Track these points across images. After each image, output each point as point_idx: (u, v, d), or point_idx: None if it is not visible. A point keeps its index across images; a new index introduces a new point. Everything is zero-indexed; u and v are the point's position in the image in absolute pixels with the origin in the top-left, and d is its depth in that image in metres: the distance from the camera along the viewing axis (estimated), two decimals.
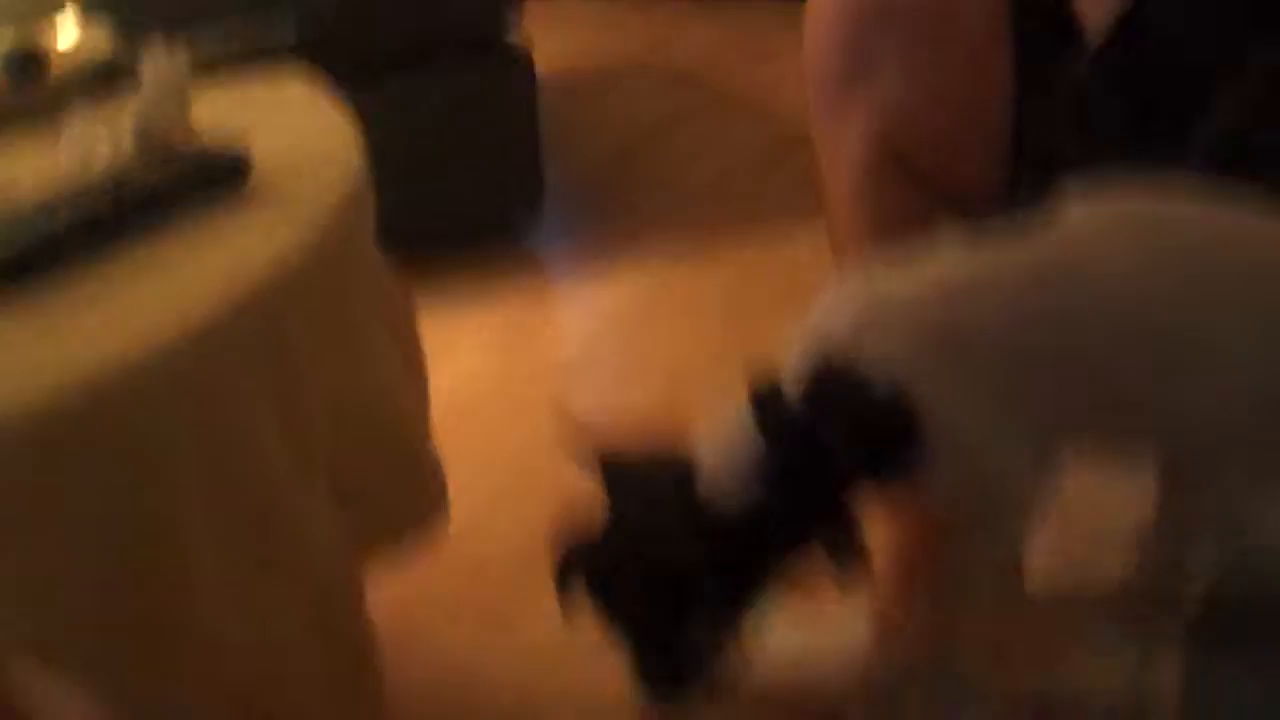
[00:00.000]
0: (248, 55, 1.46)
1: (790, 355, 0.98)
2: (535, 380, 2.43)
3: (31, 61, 1.43)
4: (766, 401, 0.97)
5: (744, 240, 2.76)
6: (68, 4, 1.63)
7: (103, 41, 1.51)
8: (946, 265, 0.97)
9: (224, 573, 1.12)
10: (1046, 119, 1.26)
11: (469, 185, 2.67)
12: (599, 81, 3.64)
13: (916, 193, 1.27)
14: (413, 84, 2.50)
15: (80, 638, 1.04)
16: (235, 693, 1.14)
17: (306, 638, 1.21)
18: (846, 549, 0.99)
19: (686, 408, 2.30)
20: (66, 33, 1.54)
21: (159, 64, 1.25)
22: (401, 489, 1.41)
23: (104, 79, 1.40)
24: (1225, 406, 0.94)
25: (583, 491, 2.09)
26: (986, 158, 1.29)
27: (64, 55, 1.48)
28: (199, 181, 1.21)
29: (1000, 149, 1.28)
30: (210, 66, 1.36)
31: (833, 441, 0.95)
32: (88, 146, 1.24)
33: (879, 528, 1.50)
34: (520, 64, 2.65)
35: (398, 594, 1.90)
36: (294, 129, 1.35)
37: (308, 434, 1.19)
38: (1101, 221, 0.97)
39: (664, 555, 0.99)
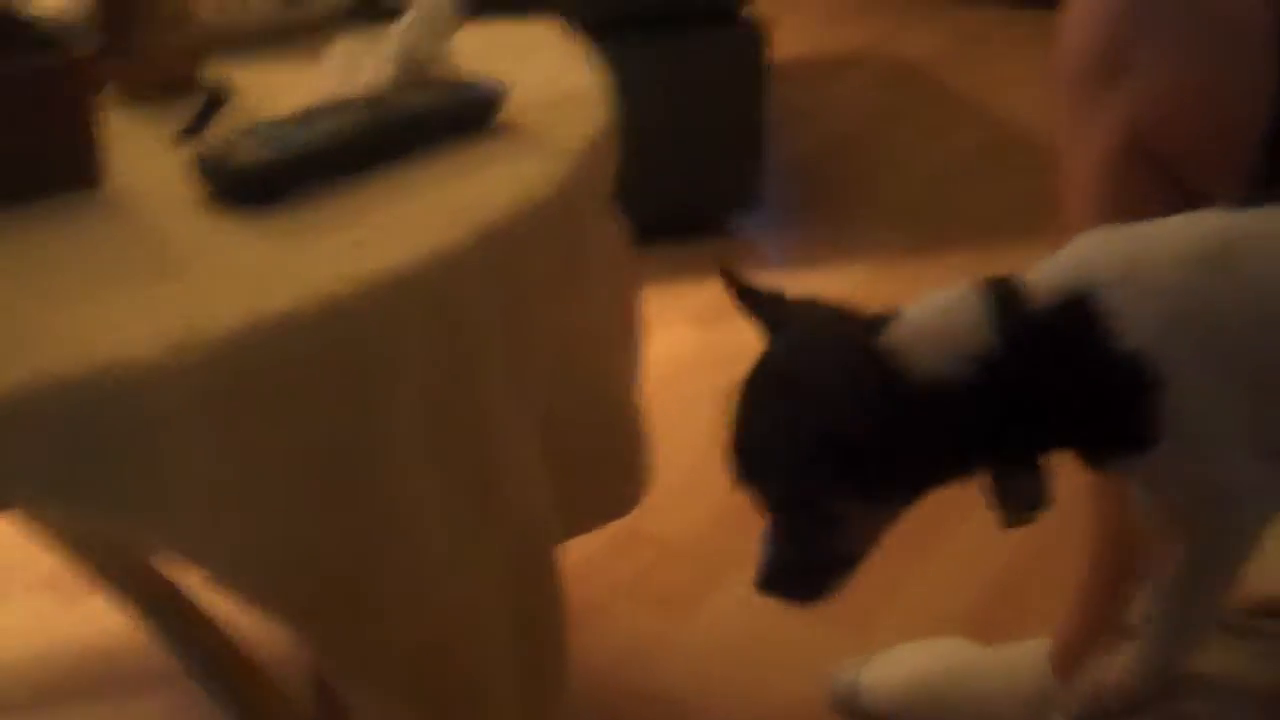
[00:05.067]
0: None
1: (1040, 273, 0.91)
2: (736, 363, 2.40)
3: None
4: (1007, 299, 0.90)
5: (955, 242, 2.71)
6: None
7: None
8: (1214, 227, 0.91)
9: (434, 508, 1.10)
10: None
11: (692, 161, 2.65)
12: (823, 70, 3.60)
13: (1162, 190, 1.22)
14: (646, 51, 2.50)
15: (284, 561, 1.04)
16: (436, 636, 1.13)
17: (503, 593, 1.19)
18: (1027, 495, 0.93)
19: None
20: None
21: None
22: (610, 451, 1.39)
23: (371, 3, 1.41)
24: None
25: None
26: (1239, 157, 1.25)
27: None
28: (453, 111, 1.20)
29: (1254, 148, 1.24)
30: (473, 5, 1.35)
31: (1063, 380, 0.88)
32: (349, 68, 1.24)
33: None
34: (754, 39, 2.62)
35: (579, 565, 1.88)
36: (548, 71, 1.34)
37: (530, 377, 1.18)
38: None
39: (830, 408, 0.89)
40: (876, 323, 0.91)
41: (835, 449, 0.89)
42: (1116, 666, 0.94)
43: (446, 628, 1.13)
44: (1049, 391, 0.89)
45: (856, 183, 3.06)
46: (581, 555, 1.88)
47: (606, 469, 1.40)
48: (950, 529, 2.01)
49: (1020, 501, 0.94)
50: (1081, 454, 0.92)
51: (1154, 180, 1.24)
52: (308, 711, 1.34)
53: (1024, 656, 1.61)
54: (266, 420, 0.99)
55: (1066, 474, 1.52)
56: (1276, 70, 1.22)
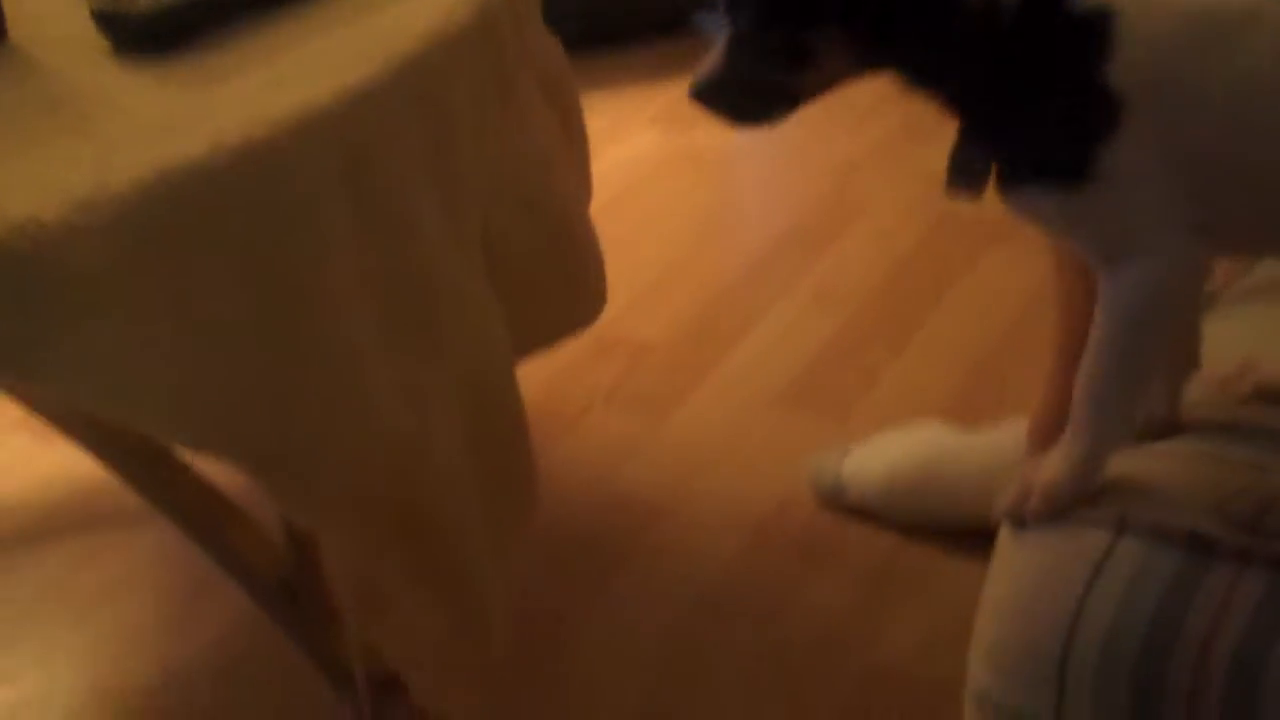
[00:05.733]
0: None
1: None
2: (701, 164, 2.39)
3: None
4: None
5: None
6: None
7: None
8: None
9: (376, 337, 1.10)
10: None
11: None
12: None
13: None
14: None
15: (225, 409, 1.04)
16: (388, 466, 1.13)
17: (459, 418, 1.20)
18: (976, 166, 0.91)
19: (852, 200, 2.25)
20: None
21: None
22: (557, 269, 1.38)
23: None
24: None
25: (746, 274, 2.09)
26: None
27: None
28: None
29: None
30: None
31: (1045, 74, 0.87)
32: None
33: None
34: None
35: (556, 374, 1.90)
36: None
37: (464, 203, 1.16)
38: None
39: None
40: None
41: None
42: (1045, 465, 0.93)
43: (401, 458, 1.14)
44: (1028, 75, 0.88)
45: None
46: (558, 364, 1.90)
47: (558, 286, 1.39)
48: (924, 314, 2.01)
49: (969, 169, 0.92)
50: (1010, 166, 0.90)
51: None
52: (283, 548, 1.35)
53: (1003, 438, 1.62)
54: (190, 270, 0.98)
55: (1036, 253, 1.51)
56: None
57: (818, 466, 1.73)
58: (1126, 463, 0.93)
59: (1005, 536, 0.92)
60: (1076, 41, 0.87)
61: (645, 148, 2.42)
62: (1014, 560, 0.90)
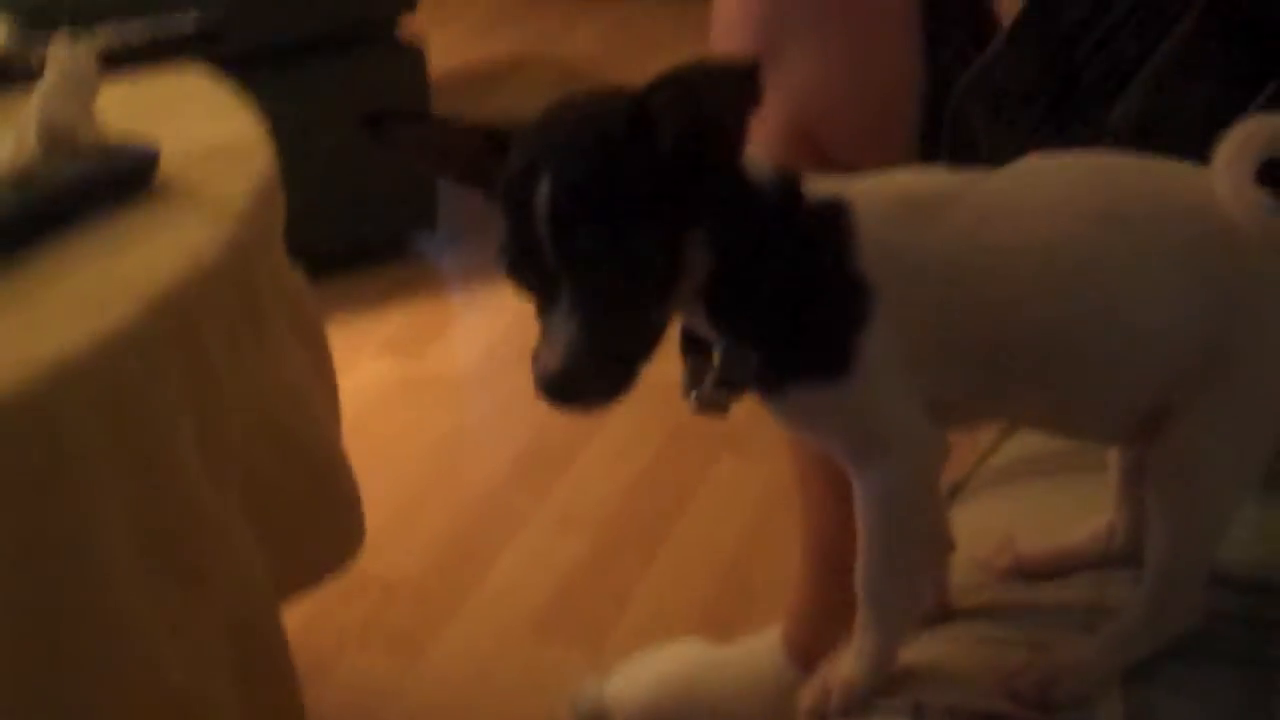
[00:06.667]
0: (138, 50, 1.41)
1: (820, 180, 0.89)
2: (434, 390, 2.38)
3: None
4: (789, 175, 0.88)
5: None
6: None
7: (1, 35, 1.43)
8: (936, 180, 0.90)
9: (146, 588, 1.05)
10: (958, 108, 1.25)
11: (364, 186, 2.59)
12: (490, 79, 3.59)
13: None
14: (305, 79, 2.45)
15: None
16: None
17: (227, 671, 1.15)
18: (737, 369, 0.88)
19: (587, 416, 2.25)
20: None
21: (63, 57, 1.18)
22: (317, 504, 1.35)
23: (2, 73, 1.33)
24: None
25: (488, 500, 2.06)
26: (896, 146, 1.27)
27: None
28: (106, 179, 1.15)
29: (910, 136, 1.27)
30: (112, 60, 1.29)
31: (793, 271, 0.87)
32: None
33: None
34: (414, 56, 2.61)
35: (304, 617, 1.82)
36: (201, 123, 1.29)
37: (224, 441, 1.14)
38: (1048, 164, 0.90)
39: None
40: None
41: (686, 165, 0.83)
42: (840, 663, 0.93)
43: (180, 699, 1.08)
44: (787, 271, 0.87)
45: None
46: (304, 605, 1.81)
47: (319, 522, 1.36)
48: (668, 526, 2.02)
49: (734, 372, 0.88)
50: (773, 368, 0.88)
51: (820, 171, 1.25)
52: None
53: (761, 646, 1.62)
54: None
55: (768, 457, 1.53)
56: (921, 57, 1.26)
57: (577, 695, 1.69)
58: (915, 650, 0.94)
59: None
60: (822, 234, 0.87)
61: (377, 376, 2.40)
62: None
